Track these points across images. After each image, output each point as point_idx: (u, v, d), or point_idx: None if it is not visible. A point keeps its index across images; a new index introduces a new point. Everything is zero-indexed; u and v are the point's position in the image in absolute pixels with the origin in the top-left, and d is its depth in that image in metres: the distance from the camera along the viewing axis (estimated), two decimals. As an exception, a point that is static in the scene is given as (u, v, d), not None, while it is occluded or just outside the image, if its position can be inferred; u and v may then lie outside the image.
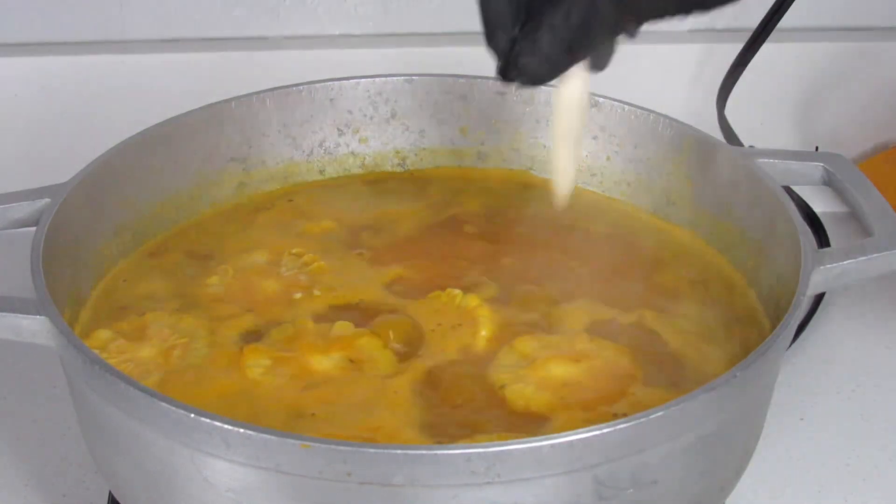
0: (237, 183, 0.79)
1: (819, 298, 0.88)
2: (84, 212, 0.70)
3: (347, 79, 0.81)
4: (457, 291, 0.70)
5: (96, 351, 0.64)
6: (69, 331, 0.60)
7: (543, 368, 0.65)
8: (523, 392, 0.63)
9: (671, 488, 0.58)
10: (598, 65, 0.60)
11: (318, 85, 0.80)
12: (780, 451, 0.76)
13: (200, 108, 0.77)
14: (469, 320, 0.68)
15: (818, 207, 0.94)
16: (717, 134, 0.90)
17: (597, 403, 0.63)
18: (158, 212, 0.76)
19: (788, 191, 0.76)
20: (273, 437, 0.54)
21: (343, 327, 0.67)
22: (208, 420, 0.54)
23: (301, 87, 0.80)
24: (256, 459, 0.54)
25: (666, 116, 0.77)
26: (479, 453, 0.53)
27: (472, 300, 0.69)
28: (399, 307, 0.70)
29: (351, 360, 0.66)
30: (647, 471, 0.57)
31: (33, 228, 0.66)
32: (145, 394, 0.56)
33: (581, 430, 0.54)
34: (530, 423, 0.62)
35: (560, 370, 0.65)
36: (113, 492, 0.64)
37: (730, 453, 0.62)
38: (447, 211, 0.79)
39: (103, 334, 0.67)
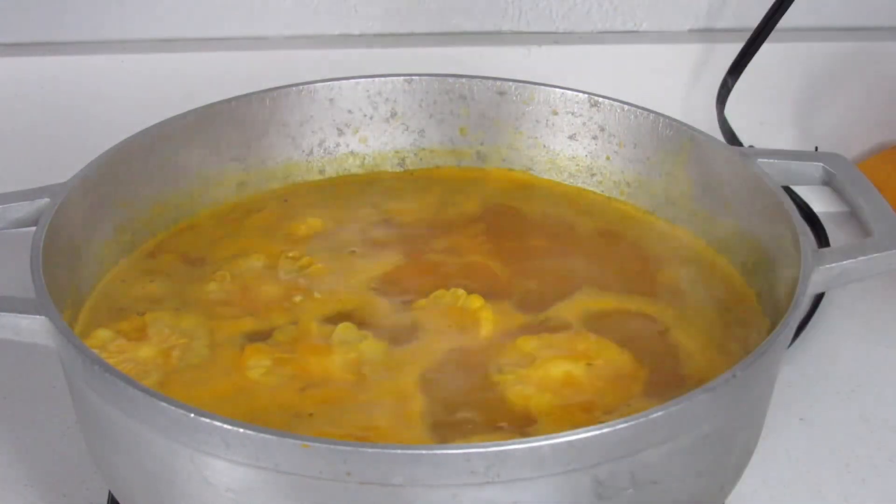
0: (237, 183, 0.79)
1: (819, 298, 0.88)
2: (84, 212, 0.70)
3: (347, 79, 0.81)
4: (461, 291, 0.70)
5: (96, 350, 0.64)
6: (69, 331, 0.60)
7: (544, 368, 0.65)
8: (524, 392, 0.63)
9: (671, 488, 0.58)
10: None
11: (318, 85, 0.80)
12: (780, 451, 0.76)
13: (200, 108, 0.77)
14: (472, 322, 0.68)
15: (818, 207, 0.94)
16: (717, 134, 0.90)
17: (598, 404, 0.63)
18: (158, 212, 0.76)
19: (788, 191, 0.76)
20: (273, 437, 0.53)
21: (346, 330, 0.67)
22: (208, 420, 0.54)
23: (301, 87, 0.80)
24: (256, 459, 0.54)
25: (666, 116, 0.77)
26: (478, 453, 0.53)
27: (476, 301, 0.69)
28: (400, 308, 0.69)
29: (352, 363, 0.66)
30: (646, 471, 0.57)
31: (33, 228, 0.66)
32: (145, 394, 0.56)
33: (581, 429, 0.54)
34: (531, 423, 0.62)
35: (561, 370, 0.65)
36: (113, 492, 0.64)
37: (730, 453, 0.62)
38: (447, 211, 0.79)
39: (103, 334, 0.67)
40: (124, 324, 0.68)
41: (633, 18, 0.98)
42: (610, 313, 0.70)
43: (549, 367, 0.65)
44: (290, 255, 0.74)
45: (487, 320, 0.68)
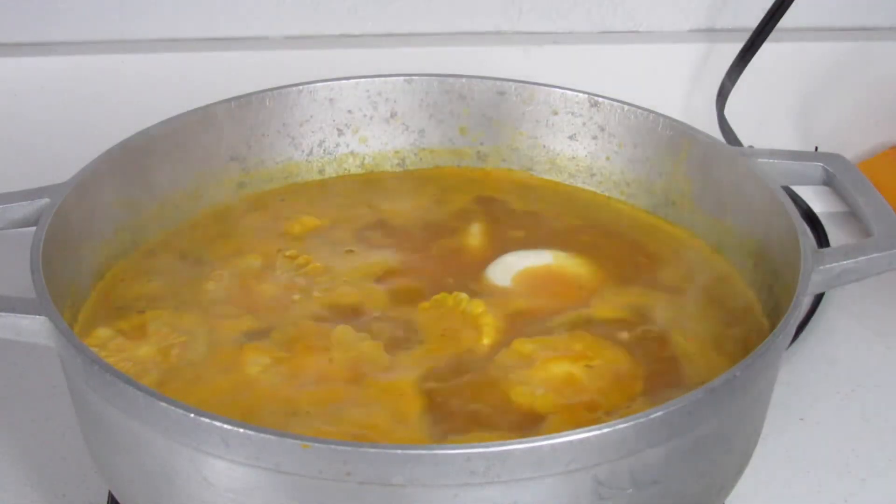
0: (237, 183, 0.79)
1: (819, 298, 0.88)
2: (84, 212, 0.70)
3: (347, 79, 0.81)
4: (463, 296, 0.70)
5: (95, 349, 0.64)
6: (69, 331, 0.60)
7: (544, 369, 0.65)
8: (527, 393, 0.63)
9: (671, 488, 0.58)
10: None
11: (317, 85, 0.80)
12: (780, 451, 0.76)
13: (200, 108, 0.77)
14: (473, 327, 0.68)
15: (818, 207, 0.94)
16: (717, 134, 0.90)
17: (600, 404, 0.63)
18: (158, 212, 0.76)
19: (788, 191, 0.76)
20: (273, 437, 0.53)
21: (344, 332, 0.67)
22: (207, 420, 0.54)
23: (301, 87, 0.80)
24: (256, 459, 0.54)
25: (666, 116, 0.77)
26: (479, 453, 0.53)
27: (478, 307, 0.69)
28: (401, 310, 0.69)
29: (350, 363, 0.66)
30: (647, 471, 0.57)
31: (33, 228, 0.66)
32: (145, 393, 0.56)
33: (581, 429, 0.54)
34: (532, 424, 0.62)
35: (561, 371, 0.65)
36: (113, 492, 0.64)
37: (730, 453, 0.62)
38: (446, 211, 0.79)
39: (103, 332, 0.67)
40: (124, 322, 0.68)
41: (633, 18, 0.98)
42: (609, 314, 0.70)
43: (550, 368, 0.65)
44: (287, 253, 0.73)
45: (489, 326, 0.68)
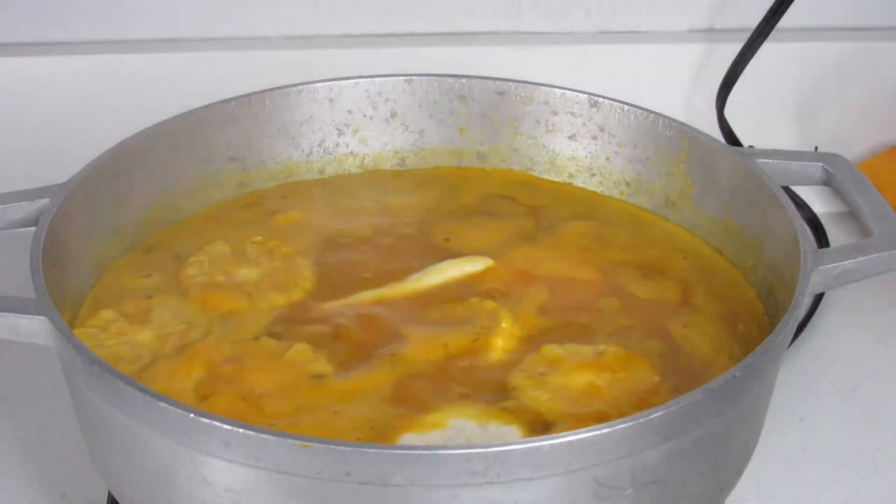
0: (237, 183, 0.79)
1: (819, 298, 0.88)
2: (84, 211, 0.70)
3: (347, 79, 0.81)
4: (475, 300, 0.69)
5: (97, 329, 0.65)
6: (69, 331, 0.60)
7: (564, 377, 0.64)
8: (538, 398, 0.63)
9: (671, 488, 0.58)
10: None
11: (317, 85, 0.80)
12: (780, 451, 0.76)
13: (200, 108, 0.77)
14: (490, 328, 0.68)
15: (818, 207, 0.94)
16: (717, 134, 0.90)
17: (610, 411, 0.63)
18: (158, 212, 0.76)
19: (788, 191, 0.76)
20: (273, 437, 0.54)
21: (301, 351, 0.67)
22: (207, 420, 0.54)
23: (301, 87, 0.80)
24: (256, 459, 0.54)
25: (666, 116, 0.77)
26: (478, 453, 0.53)
27: (490, 304, 0.69)
28: (414, 313, 0.69)
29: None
30: (646, 471, 0.57)
31: (33, 228, 0.66)
32: (145, 394, 0.56)
33: (580, 430, 0.54)
34: (541, 429, 0.62)
35: (575, 380, 0.64)
36: (113, 492, 0.64)
37: (730, 453, 0.62)
38: (446, 210, 0.79)
39: (107, 314, 0.68)
40: (130, 305, 0.69)
41: (633, 18, 0.98)
42: (609, 315, 0.69)
43: (569, 376, 0.64)
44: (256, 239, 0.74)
45: (507, 334, 0.67)
